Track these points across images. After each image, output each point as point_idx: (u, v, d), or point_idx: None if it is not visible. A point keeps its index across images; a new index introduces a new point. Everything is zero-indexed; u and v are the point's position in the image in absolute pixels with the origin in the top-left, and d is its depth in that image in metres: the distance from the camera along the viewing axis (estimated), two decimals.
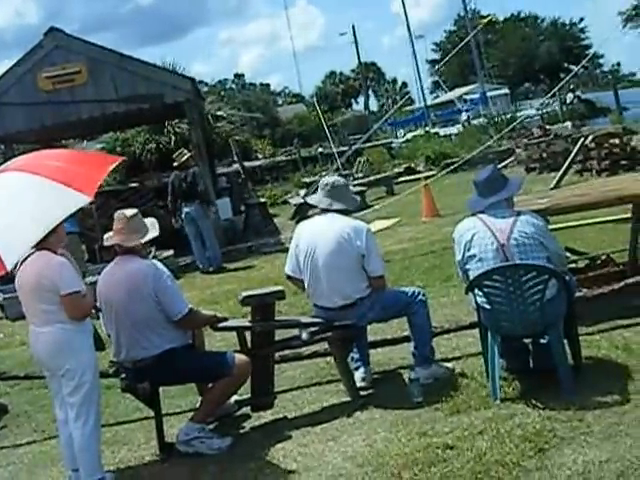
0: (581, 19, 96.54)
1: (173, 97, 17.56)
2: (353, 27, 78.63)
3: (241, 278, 14.10)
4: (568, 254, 9.15)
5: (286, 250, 7.25)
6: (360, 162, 32.18)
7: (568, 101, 54.40)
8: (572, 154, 18.17)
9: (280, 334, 6.90)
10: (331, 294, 6.68)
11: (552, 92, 39.68)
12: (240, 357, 6.37)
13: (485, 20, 51.14)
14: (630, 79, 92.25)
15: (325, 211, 6.87)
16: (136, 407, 7.29)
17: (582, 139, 19.47)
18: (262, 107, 68.67)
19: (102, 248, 14.19)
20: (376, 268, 6.71)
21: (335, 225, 6.70)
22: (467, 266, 6.30)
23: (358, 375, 6.95)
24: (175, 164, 15.74)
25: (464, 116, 50.44)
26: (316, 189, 7.27)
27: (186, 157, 15.75)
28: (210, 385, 6.47)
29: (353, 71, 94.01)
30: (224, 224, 18.64)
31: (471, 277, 6.20)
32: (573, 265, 9.04)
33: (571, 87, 56.02)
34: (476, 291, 6.16)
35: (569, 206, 8.27)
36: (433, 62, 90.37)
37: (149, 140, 25.31)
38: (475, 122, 42.94)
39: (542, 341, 6.34)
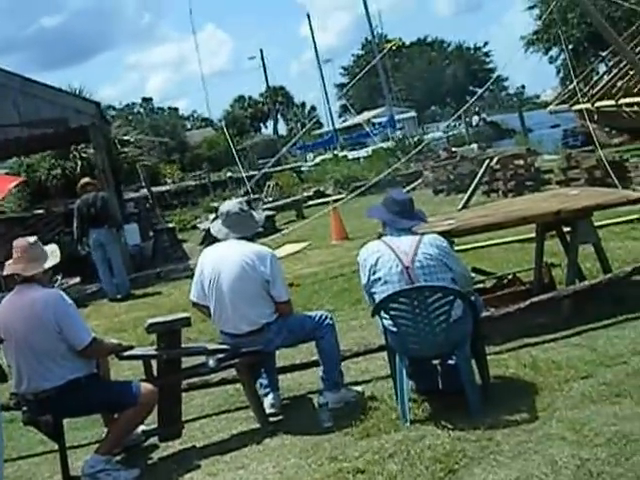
0: (485, 43, 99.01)
1: (78, 121, 17.30)
2: (261, 51, 79.01)
3: (150, 305, 13.91)
4: (474, 274, 9.28)
5: None
6: (269, 186, 32.22)
7: (474, 123, 55.52)
8: (478, 175, 18.48)
9: (187, 362, 6.80)
10: (237, 320, 6.62)
11: (457, 114, 40.33)
12: (146, 386, 6.26)
13: (392, 44, 51.80)
14: (534, 101, 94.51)
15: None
16: (40, 440, 7.08)
17: (488, 161, 19.82)
18: (170, 131, 68.38)
19: (6, 277, 13.83)
20: (281, 293, 6.67)
21: (239, 251, 6.64)
22: (373, 289, 6.29)
23: (267, 401, 6.88)
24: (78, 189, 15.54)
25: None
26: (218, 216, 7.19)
27: (84, 182, 15.56)
28: (116, 415, 6.33)
29: (262, 95, 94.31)
30: (132, 250, 18.41)
31: (377, 300, 6.19)
32: (481, 285, 9.17)
33: (477, 110, 57.18)
34: (382, 314, 6.16)
35: (474, 227, 8.38)
36: (341, 86, 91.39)
37: (54, 165, 24.86)
38: (383, 145, 43.38)
39: (450, 362, 6.37)
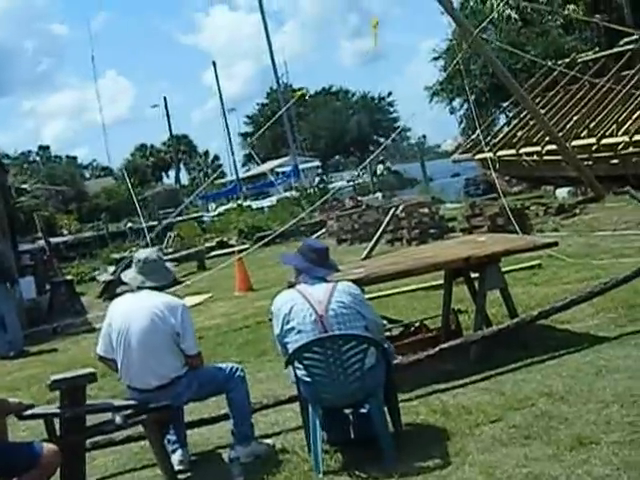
0: (389, 93, 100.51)
1: None
2: (165, 99, 78.65)
3: (45, 362, 13.51)
4: (385, 322, 9.37)
5: (93, 330, 7.10)
6: (171, 237, 32.01)
7: (378, 173, 56.29)
8: (384, 224, 18.72)
9: (90, 420, 6.64)
10: (145, 375, 6.52)
11: (365, 163, 40.88)
12: (48, 446, 6.05)
13: (297, 94, 52.22)
14: (435, 151, 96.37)
15: (138, 288, 6.75)
16: None
17: (393, 209, 20.11)
18: (68, 180, 67.45)
19: None
20: (191, 346, 6.60)
21: (149, 302, 6.57)
22: (286, 339, 6.29)
23: (175, 458, 6.77)
24: None
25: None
26: (130, 264, 7.12)
27: None
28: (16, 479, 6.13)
29: (164, 144, 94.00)
30: (27, 304, 18.02)
31: (290, 350, 6.19)
32: (388, 333, 9.24)
33: (381, 159, 57.99)
34: (296, 364, 6.17)
35: (385, 274, 8.47)
36: (245, 135, 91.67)
37: None
38: (287, 194, 43.64)
39: (362, 410, 6.40)
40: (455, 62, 25.69)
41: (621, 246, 14.28)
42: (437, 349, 7.83)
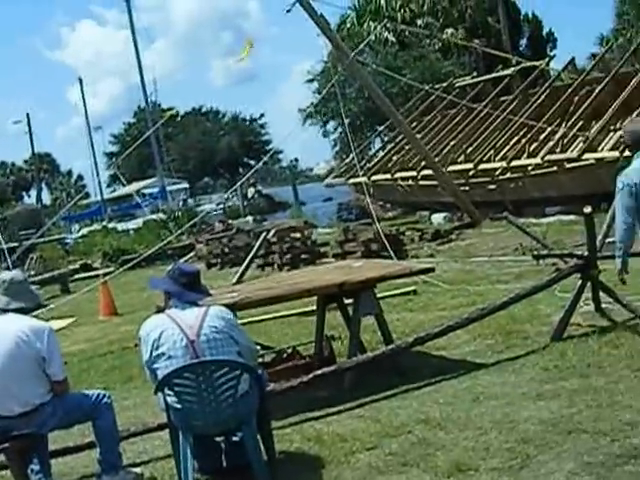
0: (261, 115, 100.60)
1: None
2: (28, 116, 76.62)
3: None
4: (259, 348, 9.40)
5: None
6: (32, 259, 31.29)
7: (249, 196, 56.37)
8: (255, 248, 18.72)
9: None
10: (7, 401, 6.37)
11: (236, 186, 40.86)
12: None
13: (166, 114, 51.85)
14: (307, 174, 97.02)
15: (3, 311, 6.59)
16: None
17: (265, 233, 20.13)
18: None
19: None
20: (57, 372, 6.48)
21: (13, 326, 6.42)
22: (156, 365, 6.23)
23: None
24: None
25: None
26: None
27: None
28: None
29: (26, 162, 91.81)
30: None
31: (160, 376, 6.15)
32: (260, 360, 9.28)
33: (252, 182, 58.07)
34: (166, 390, 6.12)
35: (259, 299, 8.51)
36: (111, 155, 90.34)
37: None
38: (154, 217, 43.24)
39: (235, 438, 6.41)
40: (330, 85, 26.02)
41: (497, 272, 14.69)
42: (311, 376, 7.89)
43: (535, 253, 11.83)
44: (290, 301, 9.90)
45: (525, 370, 8.18)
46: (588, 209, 9.06)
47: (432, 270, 9.92)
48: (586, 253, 9.30)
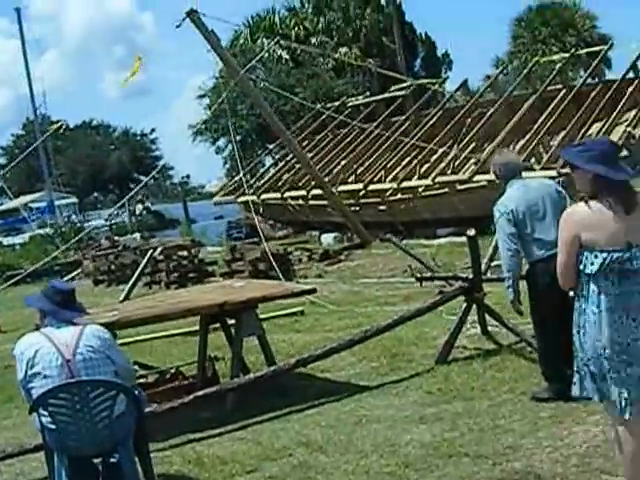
0: (152, 130, 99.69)
1: None
2: None
3: None
4: (137, 368, 9.32)
5: None
6: None
7: (137, 212, 55.82)
8: (141, 266, 18.57)
9: None
10: None
11: (122, 202, 40.43)
12: None
13: (55, 126, 51.02)
14: (199, 191, 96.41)
15: None
16: None
17: (151, 251, 19.98)
18: None
19: None
20: None
21: None
22: (31, 384, 6.12)
23: None
24: None
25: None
26: None
27: None
28: None
29: None
30: None
31: (35, 396, 6.04)
32: (143, 380, 9.20)
33: (140, 198, 57.54)
34: (41, 410, 6.02)
35: (139, 319, 8.45)
36: None
37: None
38: (41, 232, 42.42)
39: (112, 460, 6.32)
40: (220, 101, 26.00)
41: (385, 294, 14.85)
42: (191, 397, 7.87)
43: (418, 275, 11.95)
44: (172, 320, 9.86)
45: (409, 393, 8.31)
46: (471, 232, 9.24)
47: (314, 291, 9.98)
48: (471, 276, 9.48)
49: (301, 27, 44.42)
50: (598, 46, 31.36)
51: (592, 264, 4.86)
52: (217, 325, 9.58)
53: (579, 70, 37.41)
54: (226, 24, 44.49)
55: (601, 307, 4.88)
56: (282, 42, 39.02)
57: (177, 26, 19.81)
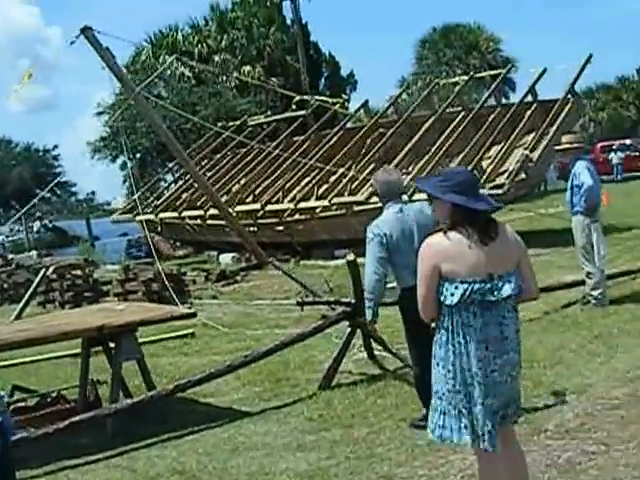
0: (55, 146, 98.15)
1: None
2: None
3: None
4: (18, 392, 9.20)
5: None
6: None
7: (35, 229, 54.89)
8: (33, 285, 18.25)
9: None
10: None
11: (15, 217, 39.77)
12: None
13: None
14: (105, 208, 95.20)
15: None
16: None
17: (44, 270, 19.65)
18: None
19: None
20: None
21: None
22: None
23: None
24: None
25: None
26: None
27: None
28: None
29: None
30: None
31: None
32: (23, 404, 9.06)
33: (38, 215, 56.61)
34: None
35: (14, 341, 8.31)
36: None
37: None
38: None
39: None
40: (114, 118, 25.76)
41: (278, 316, 14.83)
42: (68, 422, 7.76)
43: (298, 300, 11.93)
44: (50, 344, 9.70)
45: (290, 419, 8.29)
46: (351, 256, 9.28)
47: (194, 315, 9.87)
48: (353, 300, 9.48)
49: (204, 45, 44.45)
50: (502, 69, 31.91)
51: (452, 295, 4.84)
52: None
53: (483, 92, 38.08)
54: (129, 40, 44.08)
55: (464, 339, 4.88)
56: (184, 60, 38.89)
57: (71, 43, 19.59)
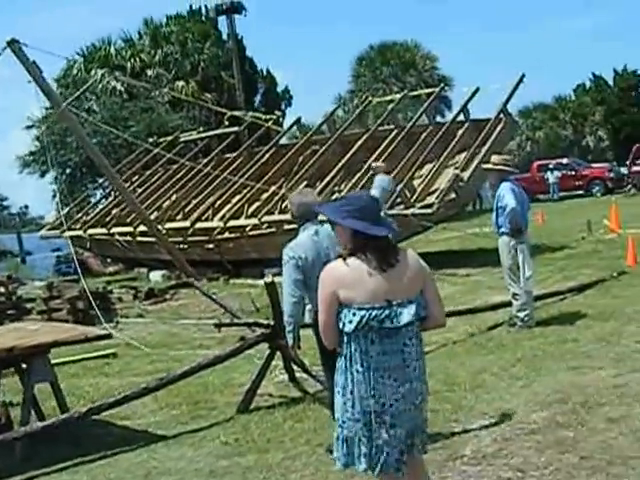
0: None
1: None
2: None
3: None
4: None
5: None
6: None
7: None
8: None
9: None
10: None
11: None
12: None
13: None
14: (38, 222, 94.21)
15: None
16: None
17: None
18: None
19: None
20: None
21: None
22: None
23: None
24: None
25: None
26: None
27: None
28: None
29: None
30: None
31: None
32: None
33: None
34: None
35: None
36: None
37: None
38: None
39: None
40: (42, 132, 25.43)
41: (202, 336, 14.67)
42: None
43: (215, 322, 11.80)
44: None
45: (205, 443, 8.19)
46: (269, 278, 9.22)
47: (109, 337, 9.66)
48: (272, 322, 9.40)
49: (137, 59, 44.13)
50: (438, 87, 32.06)
51: (350, 322, 4.75)
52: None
53: (419, 110, 38.53)
54: (60, 54, 43.56)
55: (363, 367, 4.78)
56: (116, 74, 38.57)
57: None
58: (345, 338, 4.85)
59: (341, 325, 4.81)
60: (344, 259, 4.85)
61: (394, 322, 4.76)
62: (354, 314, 4.75)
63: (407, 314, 4.78)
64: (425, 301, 4.91)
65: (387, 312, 4.75)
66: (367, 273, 4.76)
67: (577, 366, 9.57)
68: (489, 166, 12.52)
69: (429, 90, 31.17)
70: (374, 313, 4.73)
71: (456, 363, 10.17)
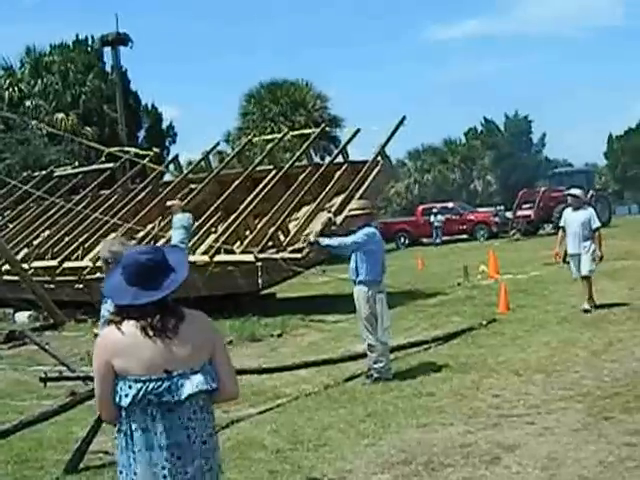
0: None
1: None
2: None
3: None
4: None
5: None
6: None
7: None
8: None
9: None
10: None
11: None
12: None
13: None
14: None
15: None
16: None
17: None
18: None
19: None
20: None
21: None
22: None
23: None
24: None
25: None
26: None
27: None
28: None
29: None
30: None
31: None
32: None
33: None
34: None
35: None
36: None
37: None
38: None
39: None
40: None
41: (54, 384, 14.04)
42: None
43: (41, 376, 11.18)
44: None
45: None
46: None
47: None
48: None
49: (16, 88, 43.28)
50: (328, 127, 32.03)
51: (126, 396, 4.35)
52: None
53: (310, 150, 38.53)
54: None
55: (145, 445, 4.38)
56: None
57: None
58: (123, 413, 4.44)
59: (117, 399, 4.40)
60: (117, 325, 4.44)
61: (174, 396, 4.36)
62: (130, 387, 4.35)
63: (190, 386, 4.38)
64: (215, 372, 4.52)
65: (166, 384, 4.35)
66: (142, 340, 4.37)
67: (428, 422, 9.44)
68: (354, 212, 12.45)
69: (309, 130, 31.12)
70: (151, 386, 4.33)
71: (304, 418, 9.93)
